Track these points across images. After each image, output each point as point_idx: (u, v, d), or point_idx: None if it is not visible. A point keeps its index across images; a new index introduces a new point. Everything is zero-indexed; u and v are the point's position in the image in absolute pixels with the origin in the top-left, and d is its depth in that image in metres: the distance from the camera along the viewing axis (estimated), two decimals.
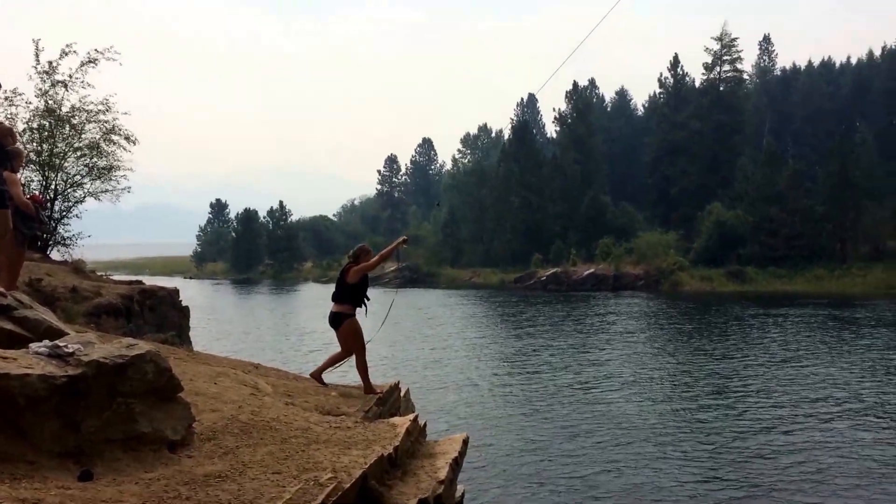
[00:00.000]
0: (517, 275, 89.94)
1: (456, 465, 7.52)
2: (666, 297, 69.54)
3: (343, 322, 8.96)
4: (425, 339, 42.02)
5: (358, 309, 9.32)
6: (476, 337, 43.61)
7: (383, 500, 5.99)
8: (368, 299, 9.35)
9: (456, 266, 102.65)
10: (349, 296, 8.86)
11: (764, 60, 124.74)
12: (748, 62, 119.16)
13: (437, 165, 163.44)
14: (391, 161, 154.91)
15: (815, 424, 21.73)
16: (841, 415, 22.85)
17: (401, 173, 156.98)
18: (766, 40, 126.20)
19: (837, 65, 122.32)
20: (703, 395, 26.29)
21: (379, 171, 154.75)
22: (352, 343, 9.19)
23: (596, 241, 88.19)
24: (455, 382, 29.43)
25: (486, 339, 42.76)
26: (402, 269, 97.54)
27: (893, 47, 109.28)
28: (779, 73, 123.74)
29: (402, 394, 9.91)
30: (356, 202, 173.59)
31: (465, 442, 8.15)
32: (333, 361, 9.69)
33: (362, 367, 9.45)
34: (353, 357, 9.51)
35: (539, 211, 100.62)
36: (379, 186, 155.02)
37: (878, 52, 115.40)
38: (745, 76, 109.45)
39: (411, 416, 7.95)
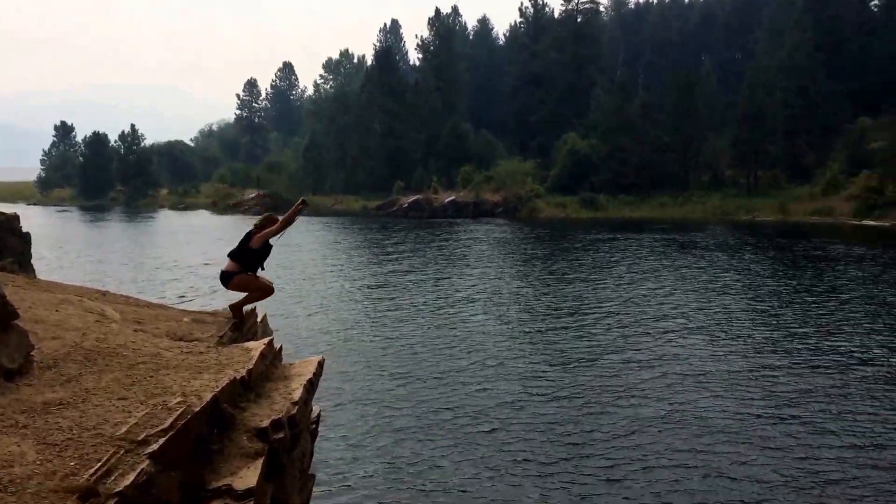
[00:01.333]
0: (379, 202, 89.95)
1: (311, 386, 7.57)
2: (523, 223, 71.51)
3: (232, 279, 8.90)
4: (285, 266, 41.59)
5: (249, 272, 9.09)
6: (337, 264, 43.55)
7: (236, 423, 5.98)
8: (264, 269, 8.99)
9: (318, 193, 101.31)
10: (245, 259, 8.88)
11: None
12: None
13: (299, 91, 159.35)
14: (251, 85, 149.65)
15: (662, 339, 23.23)
16: (682, 329, 24.50)
17: (261, 98, 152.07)
18: None
19: (686, 0, 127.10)
20: (556, 314, 27.47)
21: (238, 96, 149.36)
22: (251, 287, 9.05)
23: (457, 169, 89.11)
24: (314, 309, 29.42)
25: (346, 266, 42.79)
26: (262, 196, 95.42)
27: None
28: (633, 6, 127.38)
29: (258, 319, 9.80)
30: (214, 127, 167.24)
31: (321, 364, 8.19)
32: (252, 299, 9.17)
33: (249, 300, 9.08)
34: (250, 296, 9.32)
35: (401, 138, 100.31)
36: (238, 111, 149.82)
37: None
38: (602, 8, 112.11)
39: (266, 340, 7.91)
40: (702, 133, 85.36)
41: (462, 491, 12.87)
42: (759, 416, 16.09)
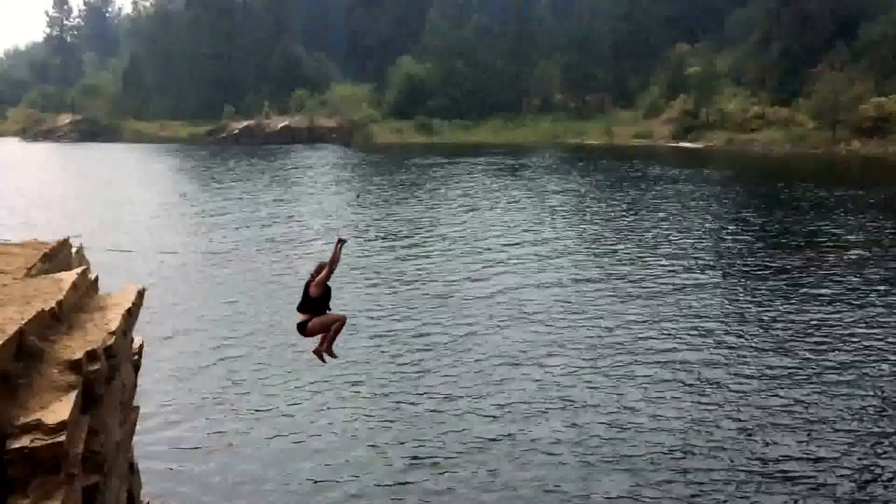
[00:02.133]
0: (208, 128, 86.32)
1: (130, 316, 7.14)
2: (359, 149, 70.83)
3: (307, 327, 9.72)
4: (105, 196, 39.24)
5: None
6: (161, 193, 41.51)
7: (45, 356, 5.59)
8: (329, 309, 9.78)
9: (141, 119, 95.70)
10: (312, 307, 9.74)
11: None
12: None
13: (116, 8, 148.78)
14: (61, 2, 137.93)
15: (498, 254, 23.78)
16: (517, 245, 25.13)
17: (73, 16, 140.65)
18: None
19: None
20: (392, 240, 27.45)
21: (47, 13, 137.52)
22: (328, 325, 9.87)
23: (290, 93, 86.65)
24: (136, 239, 27.96)
25: (171, 196, 40.85)
26: (77, 122, 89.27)
27: None
28: None
29: (73, 250, 9.11)
30: (21, 47, 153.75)
31: (141, 294, 7.72)
32: (333, 333, 10.00)
33: (333, 336, 9.92)
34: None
35: (231, 61, 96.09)
36: (48, 30, 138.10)
37: None
38: None
39: (78, 270, 7.36)
40: (534, 58, 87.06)
41: (289, 416, 12.77)
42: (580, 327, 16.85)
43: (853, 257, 23.30)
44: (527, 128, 79.42)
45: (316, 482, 10.91)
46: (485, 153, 62.39)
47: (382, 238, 28.03)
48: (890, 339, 15.70)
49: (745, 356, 15.03)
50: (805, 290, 19.63)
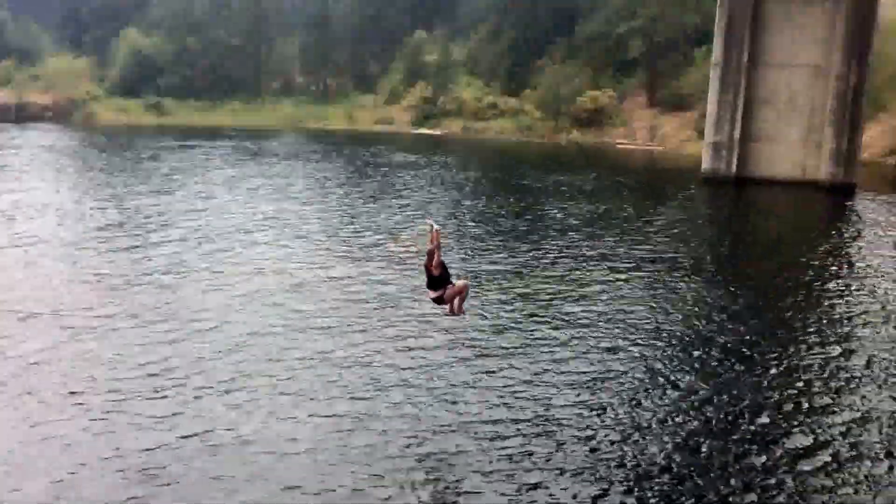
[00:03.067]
0: None
1: None
2: (79, 129, 65.87)
3: (443, 299, 12.76)
4: None
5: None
6: None
7: None
8: (451, 282, 12.87)
9: None
10: (439, 283, 12.56)
11: None
12: None
13: None
14: None
15: (238, 246, 23.33)
16: (258, 234, 24.84)
17: None
18: None
19: None
20: (115, 231, 26.00)
21: None
22: (458, 292, 12.80)
23: None
24: None
25: None
26: None
27: None
28: None
29: None
30: None
31: None
32: (462, 298, 13.01)
33: (462, 300, 13.05)
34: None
35: None
36: None
37: None
38: None
39: None
40: (272, 37, 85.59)
41: None
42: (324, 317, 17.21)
43: (570, 237, 25.72)
44: (268, 110, 78.09)
45: None
46: (222, 137, 60.67)
47: (106, 232, 26.41)
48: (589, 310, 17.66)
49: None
50: (525, 259, 21.43)
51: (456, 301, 12.82)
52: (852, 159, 37.49)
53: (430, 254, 12.36)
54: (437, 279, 12.52)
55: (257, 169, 43.04)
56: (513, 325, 17.35)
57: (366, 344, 15.92)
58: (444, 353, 15.48)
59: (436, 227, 12.62)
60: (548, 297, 19.46)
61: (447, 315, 13.28)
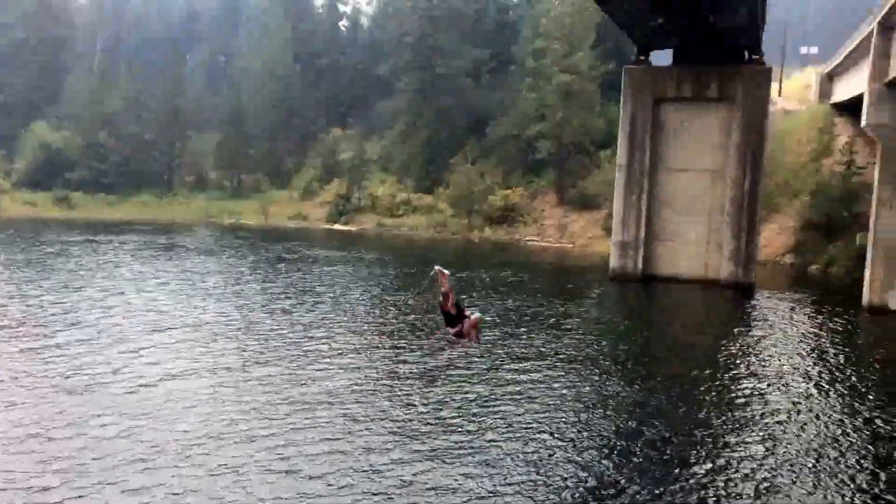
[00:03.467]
0: None
1: None
2: None
3: (462, 334, 13.96)
4: None
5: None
6: None
7: None
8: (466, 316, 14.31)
9: None
10: (455, 319, 13.82)
11: None
12: None
13: None
14: None
15: (146, 342, 22.32)
16: (168, 337, 23.86)
17: None
18: None
19: None
20: (18, 330, 24.66)
21: None
22: (474, 323, 14.00)
23: None
24: None
25: None
26: None
27: None
28: None
29: None
30: None
31: None
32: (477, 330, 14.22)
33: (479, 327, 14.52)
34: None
35: None
36: None
37: None
38: None
39: None
40: (187, 132, 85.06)
41: None
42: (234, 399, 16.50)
43: (484, 335, 25.64)
44: (180, 204, 76.77)
45: None
46: (133, 231, 59.13)
47: (6, 331, 25.05)
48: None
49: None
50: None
51: (474, 334, 14.40)
52: (751, 259, 39.04)
53: (445, 296, 14.01)
54: (454, 316, 14.09)
55: (168, 264, 41.94)
56: (423, 432, 16.95)
57: (286, 453, 15.29)
58: (358, 455, 14.98)
59: (445, 272, 14.24)
60: (465, 396, 19.21)
61: (465, 345, 14.96)
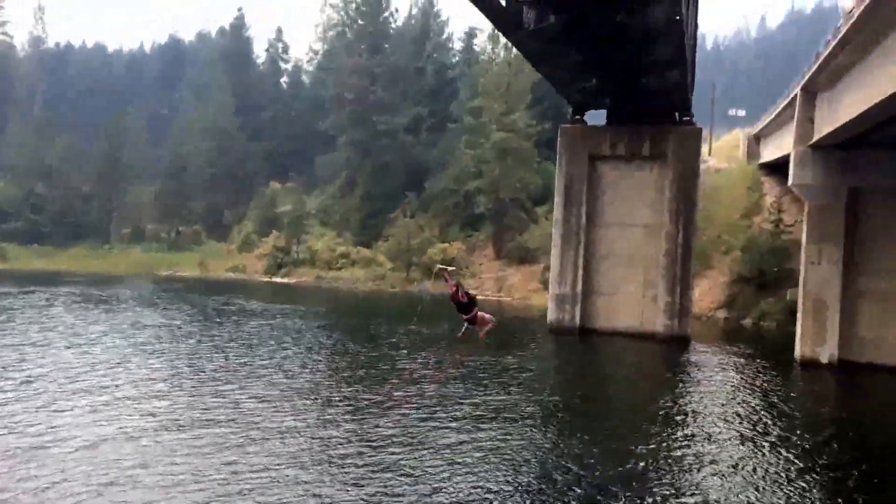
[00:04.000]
0: None
1: None
2: None
3: (476, 320, 15.35)
4: None
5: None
6: None
7: None
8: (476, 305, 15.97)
9: None
10: (468, 308, 15.26)
11: (38, 30, 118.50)
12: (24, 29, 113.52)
13: None
14: None
15: (78, 400, 20.83)
16: (100, 392, 22.39)
17: None
18: (41, 9, 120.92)
19: (111, 49, 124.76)
20: None
21: None
22: (490, 321, 15.59)
23: None
24: None
25: None
26: None
27: (159, 44, 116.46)
28: (53, 46, 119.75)
29: None
30: None
31: None
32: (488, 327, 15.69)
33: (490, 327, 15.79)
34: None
35: None
36: None
37: (148, 46, 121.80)
38: (17, 43, 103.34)
39: None
40: (125, 184, 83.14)
41: None
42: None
43: (423, 387, 24.81)
44: (116, 256, 74.49)
45: None
46: (67, 282, 56.86)
47: None
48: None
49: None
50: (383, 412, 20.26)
51: (484, 329, 15.68)
52: (685, 313, 39.04)
53: (454, 289, 15.10)
54: (466, 304, 15.26)
55: (103, 315, 40.19)
56: (350, 486, 16.01)
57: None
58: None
59: (448, 268, 16.10)
60: (401, 447, 18.32)
61: (475, 333, 15.91)
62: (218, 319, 40.99)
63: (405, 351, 33.17)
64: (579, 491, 16.40)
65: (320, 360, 30.87)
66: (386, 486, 16.32)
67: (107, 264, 71.38)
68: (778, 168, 47.94)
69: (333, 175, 78.52)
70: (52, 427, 19.66)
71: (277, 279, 67.39)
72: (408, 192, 69.86)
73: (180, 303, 47.96)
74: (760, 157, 55.70)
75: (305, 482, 16.49)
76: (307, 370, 28.70)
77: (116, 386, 24.59)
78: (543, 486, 16.80)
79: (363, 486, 16.38)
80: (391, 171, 72.69)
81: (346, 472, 17.14)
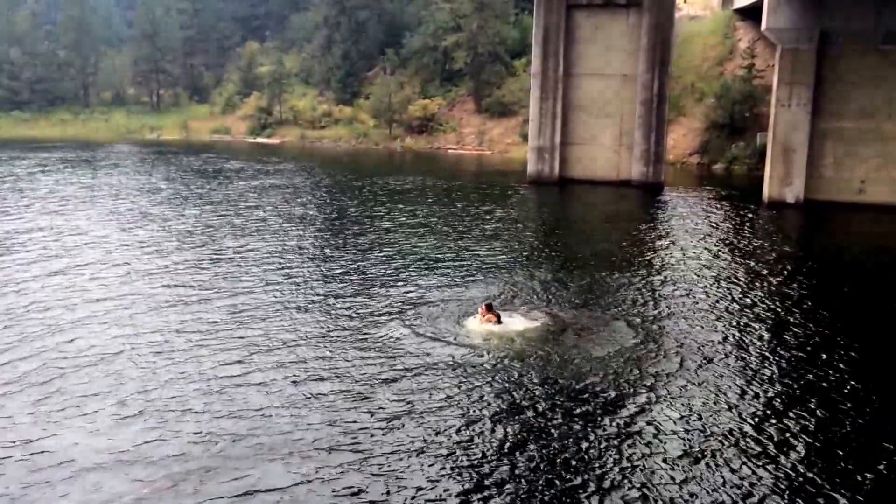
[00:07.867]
0: None
1: None
2: None
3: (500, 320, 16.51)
4: None
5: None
6: None
7: None
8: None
9: None
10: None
11: None
12: None
13: None
14: None
15: (76, 263, 21.21)
16: (104, 260, 22.74)
17: None
18: None
19: None
20: None
21: None
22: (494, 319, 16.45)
23: None
24: None
25: None
26: None
27: None
28: None
29: None
30: None
31: None
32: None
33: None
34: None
35: None
36: None
37: None
38: None
39: None
40: (100, 49, 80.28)
41: None
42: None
43: (410, 240, 25.36)
44: (97, 121, 72.93)
45: None
46: (50, 148, 55.98)
47: None
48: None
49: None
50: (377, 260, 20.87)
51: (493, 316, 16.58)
52: (660, 160, 39.31)
53: (495, 320, 16.43)
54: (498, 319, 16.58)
55: (91, 180, 39.93)
56: (336, 345, 16.67)
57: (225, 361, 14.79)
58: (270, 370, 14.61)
59: (484, 306, 16.74)
60: (395, 302, 18.93)
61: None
62: (206, 178, 40.89)
63: (390, 204, 33.52)
64: (556, 308, 17.14)
65: (307, 218, 31.16)
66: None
67: (89, 130, 70.12)
68: (751, 13, 47.04)
69: (309, 35, 76.04)
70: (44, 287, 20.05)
71: (262, 139, 66.65)
72: (386, 50, 68.14)
73: (167, 165, 47.64)
74: (735, 2, 54.46)
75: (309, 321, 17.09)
76: (300, 224, 29.05)
77: (132, 241, 24.88)
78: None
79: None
80: (368, 29, 70.51)
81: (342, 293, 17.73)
